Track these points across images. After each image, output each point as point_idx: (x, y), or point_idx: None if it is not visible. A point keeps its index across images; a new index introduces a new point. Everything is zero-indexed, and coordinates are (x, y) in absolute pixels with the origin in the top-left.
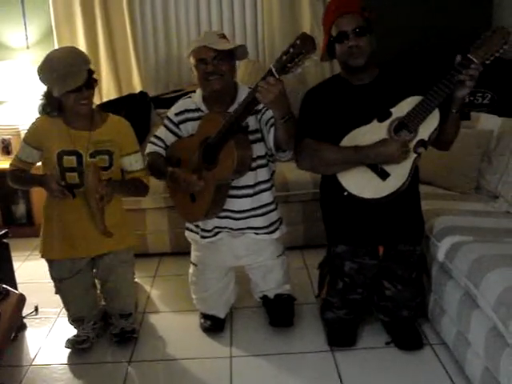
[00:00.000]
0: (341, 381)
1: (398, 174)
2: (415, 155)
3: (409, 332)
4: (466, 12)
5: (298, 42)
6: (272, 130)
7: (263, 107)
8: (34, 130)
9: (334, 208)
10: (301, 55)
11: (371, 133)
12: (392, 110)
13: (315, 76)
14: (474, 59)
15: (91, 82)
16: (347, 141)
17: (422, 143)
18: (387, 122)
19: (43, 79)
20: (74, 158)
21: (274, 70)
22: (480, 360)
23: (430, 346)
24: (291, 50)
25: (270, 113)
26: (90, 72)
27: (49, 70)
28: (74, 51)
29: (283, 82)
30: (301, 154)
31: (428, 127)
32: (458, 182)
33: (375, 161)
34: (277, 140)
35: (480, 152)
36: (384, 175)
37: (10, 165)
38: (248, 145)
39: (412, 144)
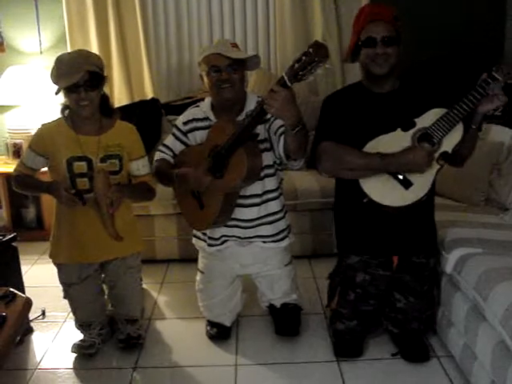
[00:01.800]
0: None
1: (421, 184)
2: (438, 166)
3: (416, 344)
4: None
5: (310, 50)
6: (282, 139)
7: (272, 116)
8: (39, 137)
9: (349, 216)
10: (313, 63)
11: (395, 141)
12: (416, 120)
13: (326, 87)
14: (498, 76)
15: (93, 84)
16: (370, 146)
17: (445, 155)
18: (411, 131)
19: (50, 77)
20: (84, 163)
21: (286, 77)
22: (486, 373)
23: (436, 358)
24: (304, 57)
25: (279, 122)
26: (94, 74)
27: (54, 68)
28: (81, 52)
29: (293, 90)
30: (322, 156)
31: (451, 140)
32: (467, 194)
33: (400, 168)
34: (287, 149)
35: (490, 164)
36: (407, 184)
37: (15, 170)
38: (258, 153)
39: (436, 155)
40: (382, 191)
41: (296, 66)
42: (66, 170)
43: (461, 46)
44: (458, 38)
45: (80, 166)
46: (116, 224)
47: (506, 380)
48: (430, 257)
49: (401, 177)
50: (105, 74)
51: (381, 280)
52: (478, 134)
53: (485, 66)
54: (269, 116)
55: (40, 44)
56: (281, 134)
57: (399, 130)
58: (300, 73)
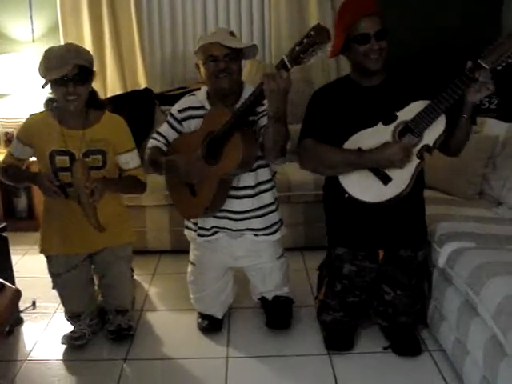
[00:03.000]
0: None
1: (400, 179)
2: (418, 160)
3: (407, 338)
4: (474, 14)
5: (312, 32)
6: (260, 138)
7: (261, 112)
8: (26, 127)
9: (336, 209)
10: (315, 45)
11: (375, 136)
12: (398, 113)
13: (322, 77)
14: (484, 65)
15: (82, 79)
16: (351, 143)
17: (426, 148)
18: (392, 125)
19: (38, 69)
20: (66, 158)
21: (286, 60)
22: (478, 368)
23: (428, 352)
24: (305, 40)
25: (264, 120)
26: (83, 68)
27: (42, 60)
28: (71, 45)
29: (290, 76)
30: (302, 154)
31: (433, 132)
32: (461, 187)
33: (378, 165)
34: (263, 146)
35: (485, 157)
36: (386, 179)
37: (3, 161)
38: (254, 139)
39: (416, 149)
40: (361, 187)
41: (297, 48)
42: (48, 163)
43: (455, 36)
44: (452, 29)
45: (62, 160)
46: (102, 215)
47: (498, 375)
48: (417, 250)
49: (380, 172)
50: (94, 69)
51: (367, 272)
52: (470, 125)
53: (474, 54)
54: (260, 110)
55: (32, 32)
56: (262, 134)
57: (380, 123)
58: (301, 55)
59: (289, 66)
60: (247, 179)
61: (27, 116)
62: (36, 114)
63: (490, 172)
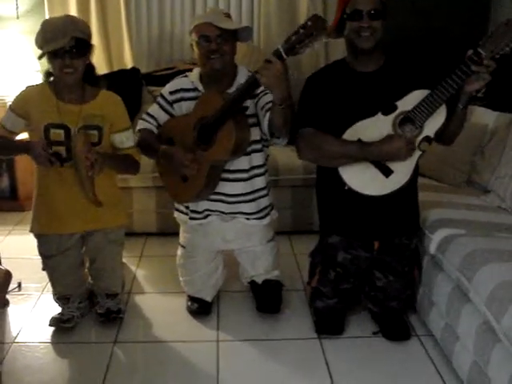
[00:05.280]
0: (328, 368)
1: (402, 172)
2: (420, 152)
3: (397, 323)
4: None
5: (309, 23)
6: (267, 115)
7: (261, 92)
8: (21, 98)
9: (331, 199)
10: (311, 36)
11: (375, 126)
12: (397, 103)
13: (310, 64)
14: (483, 53)
15: (79, 51)
16: (350, 133)
17: (427, 140)
18: (392, 115)
19: (35, 41)
20: (61, 131)
21: (281, 49)
22: (469, 354)
23: (417, 337)
24: (301, 30)
25: (267, 98)
26: (81, 41)
27: (40, 31)
28: (69, 17)
29: (287, 64)
30: (301, 144)
31: (434, 123)
32: (449, 175)
33: (379, 158)
34: (271, 126)
35: (473, 145)
36: (387, 172)
37: None
38: (247, 126)
39: (417, 140)
40: (362, 180)
41: (293, 38)
42: (42, 136)
43: (447, 21)
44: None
45: (57, 134)
46: (98, 194)
47: (490, 361)
48: (412, 237)
49: (381, 165)
50: (91, 42)
51: (362, 260)
52: (465, 114)
53: (472, 41)
54: (258, 91)
55: (17, 8)
56: (267, 110)
57: (380, 114)
58: (297, 46)
59: (284, 56)
60: (241, 163)
61: (14, 93)
62: (33, 85)
63: (478, 160)
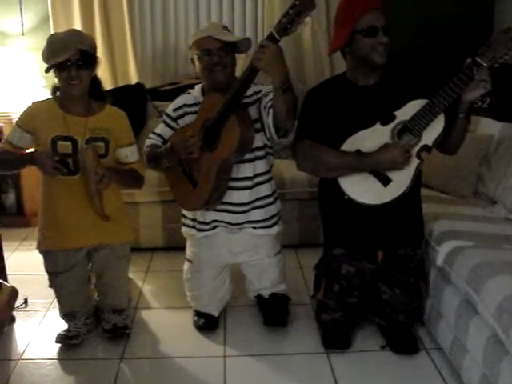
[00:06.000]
0: (336, 383)
1: (400, 181)
2: (418, 161)
3: (405, 336)
4: (468, 13)
5: (296, 2)
6: (271, 111)
7: (263, 94)
8: (28, 113)
9: (333, 210)
10: (301, 14)
11: (374, 136)
12: (396, 113)
13: (315, 76)
14: (482, 62)
15: (85, 63)
16: (349, 144)
17: (425, 148)
18: (391, 125)
19: (42, 55)
20: (69, 143)
21: (274, 32)
22: (478, 367)
23: (425, 350)
24: (290, 11)
25: (268, 97)
26: (86, 53)
27: (46, 46)
28: (74, 30)
29: (280, 46)
30: (300, 155)
31: (432, 132)
32: (456, 186)
33: (377, 167)
34: (276, 119)
35: (479, 156)
36: (386, 181)
37: None
38: (250, 121)
39: (415, 149)
40: (361, 189)
41: (284, 20)
42: (50, 149)
43: (449, 32)
44: (445, 24)
45: (64, 146)
46: (104, 204)
47: (499, 374)
48: (416, 248)
49: (379, 174)
50: (97, 55)
51: (366, 272)
52: (467, 123)
53: (471, 51)
54: (260, 94)
55: (22, 25)
56: (270, 107)
57: (378, 124)
58: (288, 26)
59: (277, 37)
60: (245, 170)
61: (19, 109)
62: (39, 101)
63: (484, 171)
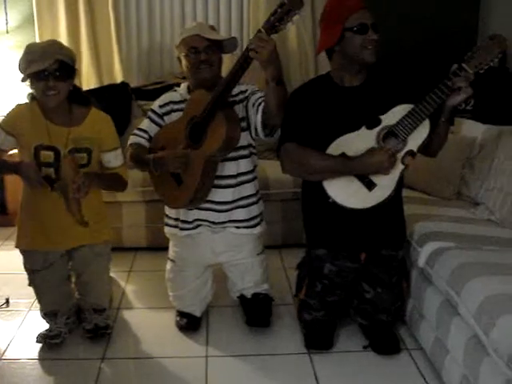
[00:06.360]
0: (318, 383)
1: (385, 185)
2: (403, 166)
3: (386, 336)
4: (452, 18)
5: (285, 0)
6: (260, 108)
7: (249, 93)
8: (11, 116)
9: (316, 212)
10: (290, 12)
11: (359, 140)
12: (381, 117)
13: (300, 76)
14: (468, 68)
15: (63, 75)
16: (335, 147)
17: (410, 154)
18: (376, 129)
19: (18, 64)
20: (51, 153)
21: (263, 30)
22: (458, 367)
23: (407, 350)
24: (279, 10)
25: (257, 95)
26: (65, 64)
27: (23, 55)
28: (54, 41)
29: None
30: (285, 158)
31: (418, 137)
32: (439, 188)
33: (363, 172)
34: (267, 111)
35: (462, 158)
36: (370, 186)
37: None
38: (237, 119)
39: (400, 155)
40: (345, 193)
41: (272, 18)
42: (32, 157)
43: (433, 35)
44: (430, 27)
45: (47, 156)
46: (84, 211)
47: (479, 375)
48: (398, 249)
49: (364, 178)
50: (76, 67)
51: (348, 272)
52: (449, 127)
53: (457, 56)
54: (247, 94)
55: (6, 23)
56: (259, 104)
57: (364, 128)
58: (276, 24)
59: (266, 34)
60: (229, 168)
61: (3, 109)
62: (23, 104)
63: (467, 173)
